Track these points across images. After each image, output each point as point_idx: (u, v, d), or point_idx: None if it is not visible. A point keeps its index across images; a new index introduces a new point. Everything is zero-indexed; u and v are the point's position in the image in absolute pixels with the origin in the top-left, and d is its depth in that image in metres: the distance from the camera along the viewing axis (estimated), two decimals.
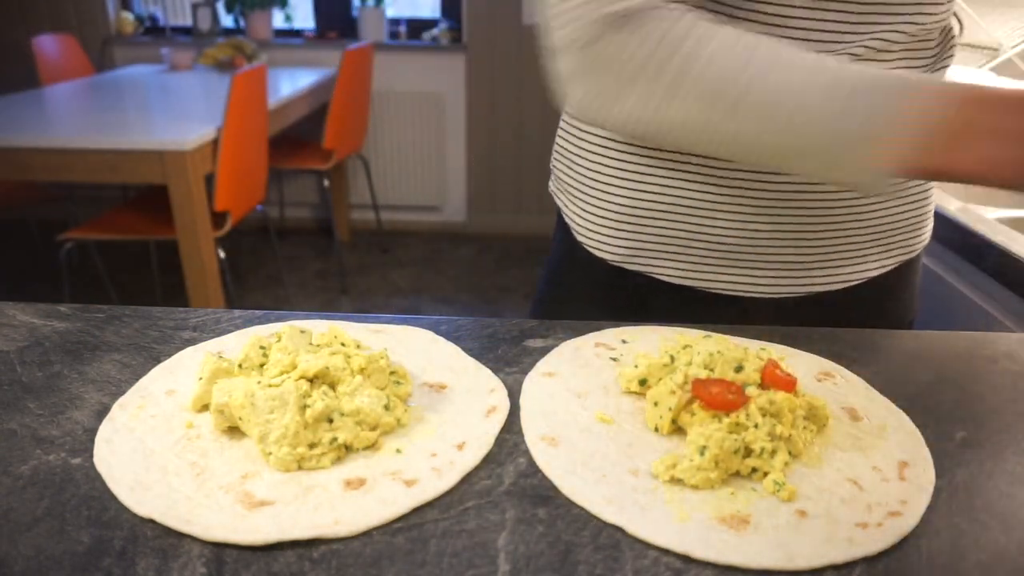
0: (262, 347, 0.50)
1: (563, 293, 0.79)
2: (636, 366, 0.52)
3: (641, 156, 0.65)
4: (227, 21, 3.85)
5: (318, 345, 0.50)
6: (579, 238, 0.72)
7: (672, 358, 0.51)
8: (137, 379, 0.51)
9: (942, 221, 0.96)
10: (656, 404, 0.47)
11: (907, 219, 0.70)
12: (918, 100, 0.50)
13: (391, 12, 3.61)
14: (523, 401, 0.50)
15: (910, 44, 0.61)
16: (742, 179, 0.63)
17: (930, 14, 0.60)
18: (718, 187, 0.64)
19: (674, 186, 0.65)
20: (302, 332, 0.51)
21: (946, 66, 0.66)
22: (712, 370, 0.48)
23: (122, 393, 0.50)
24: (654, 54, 0.51)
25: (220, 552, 0.37)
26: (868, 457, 0.45)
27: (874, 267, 0.70)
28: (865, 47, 0.59)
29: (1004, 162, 0.49)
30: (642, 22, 0.51)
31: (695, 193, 0.64)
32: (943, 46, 0.65)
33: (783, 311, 0.69)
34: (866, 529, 0.39)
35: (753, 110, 0.51)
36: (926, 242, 0.74)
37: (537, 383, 0.52)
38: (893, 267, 0.71)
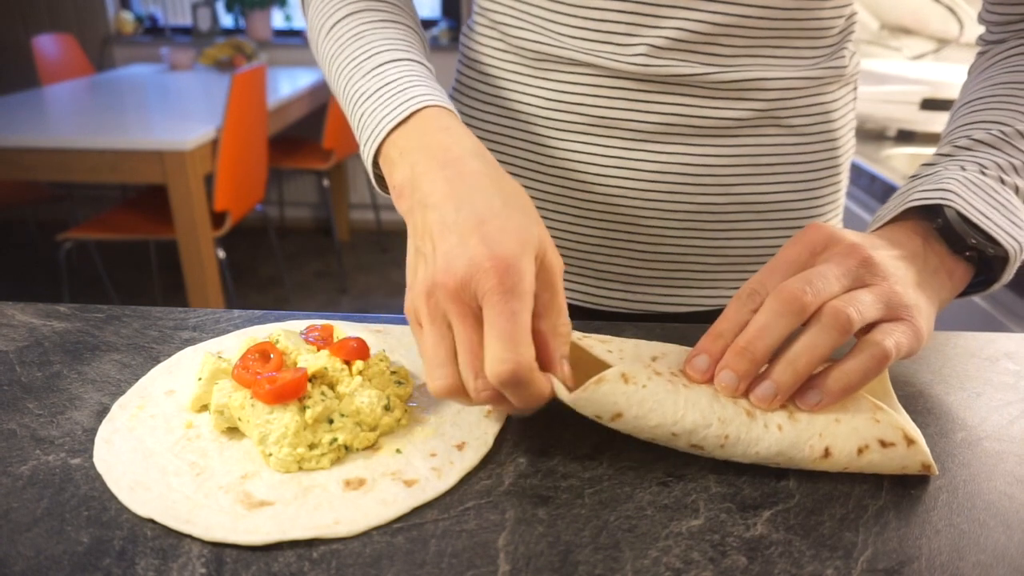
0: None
1: None
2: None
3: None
4: (227, 21, 3.85)
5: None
6: None
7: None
8: (137, 379, 0.51)
9: None
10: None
11: (763, 250, 0.68)
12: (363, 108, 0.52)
13: None
14: None
15: (726, 34, 0.59)
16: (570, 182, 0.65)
17: (724, 11, 0.58)
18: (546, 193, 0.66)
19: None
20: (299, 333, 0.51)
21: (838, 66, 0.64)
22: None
23: (122, 393, 0.50)
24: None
25: (220, 552, 0.37)
26: None
27: (727, 296, 0.69)
28: (666, 38, 0.59)
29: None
30: None
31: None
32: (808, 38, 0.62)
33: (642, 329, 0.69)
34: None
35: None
36: None
37: None
38: None
